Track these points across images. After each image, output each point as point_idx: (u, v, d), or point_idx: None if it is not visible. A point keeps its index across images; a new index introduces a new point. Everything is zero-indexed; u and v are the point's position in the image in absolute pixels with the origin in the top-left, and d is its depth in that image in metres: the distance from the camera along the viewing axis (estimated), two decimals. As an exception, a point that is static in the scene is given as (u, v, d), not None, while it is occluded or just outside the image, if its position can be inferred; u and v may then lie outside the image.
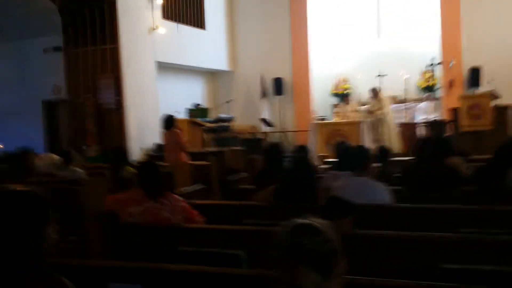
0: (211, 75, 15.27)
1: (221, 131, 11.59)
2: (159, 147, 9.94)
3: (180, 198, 3.72)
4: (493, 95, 8.28)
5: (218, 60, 14.60)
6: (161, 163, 6.96)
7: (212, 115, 12.81)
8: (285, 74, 14.43)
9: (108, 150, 7.84)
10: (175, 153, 7.71)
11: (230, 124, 12.25)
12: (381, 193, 3.79)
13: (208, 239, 3.44)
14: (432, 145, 4.31)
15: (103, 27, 9.95)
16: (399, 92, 13.40)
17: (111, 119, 10.16)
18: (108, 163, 5.69)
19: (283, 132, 14.09)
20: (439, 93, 13.14)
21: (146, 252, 3.34)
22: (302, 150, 5.86)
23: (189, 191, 5.55)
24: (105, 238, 3.52)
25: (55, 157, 6.11)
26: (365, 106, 11.66)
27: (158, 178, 3.67)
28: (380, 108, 10.18)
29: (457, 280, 2.46)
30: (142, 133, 10.50)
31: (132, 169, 4.86)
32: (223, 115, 12.32)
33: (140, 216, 3.55)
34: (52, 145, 11.04)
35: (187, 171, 7.39)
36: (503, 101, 8.60)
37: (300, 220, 1.64)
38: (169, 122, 8.04)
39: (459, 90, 12.52)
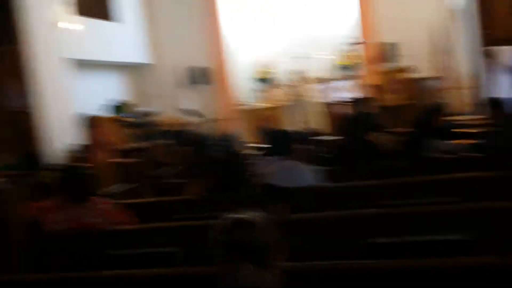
0: (132, 69, 14.80)
1: (146, 126, 11.28)
2: (80, 148, 9.49)
3: (106, 200, 3.53)
4: (410, 69, 8.60)
5: (137, 53, 14.17)
6: (83, 164, 6.68)
7: (136, 110, 12.44)
8: (207, 63, 14.27)
9: (22, 156, 7.38)
10: (98, 153, 7.40)
11: (155, 117, 11.95)
12: (309, 175, 3.80)
13: (140, 239, 3.30)
14: (354, 123, 4.38)
15: (3, 26, 9.27)
16: (322, 73, 13.67)
17: (22, 123, 9.53)
18: (21, 169, 5.35)
19: (211, 121, 13.96)
20: (360, 70, 13.52)
21: (75, 261, 3.16)
22: (231, 139, 5.80)
23: (115, 191, 5.33)
24: (31, 249, 3.29)
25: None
26: (290, 88, 11.77)
27: (80, 182, 3.47)
28: (305, 89, 10.30)
29: (386, 253, 2.50)
30: (60, 134, 9.97)
31: (49, 174, 4.58)
32: (147, 109, 11.99)
33: (64, 223, 3.34)
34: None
35: (113, 170, 7.12)
36: (418, 74, 8.97)
37: (235, 215, 1.62)
38: (90, 120, 7.69)
39: (379, 66, 12.95)
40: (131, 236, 3.33)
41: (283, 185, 3.28)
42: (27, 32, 9.56)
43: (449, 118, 5.95)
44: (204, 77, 14.17)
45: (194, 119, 13.74)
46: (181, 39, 14.42)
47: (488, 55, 8.01)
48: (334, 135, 7.68)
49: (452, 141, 4.55)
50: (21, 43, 9.36)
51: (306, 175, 3.84)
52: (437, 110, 5.42)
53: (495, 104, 4.45)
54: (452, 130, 5.79)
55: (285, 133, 4.22)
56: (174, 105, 14.24)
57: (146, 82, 14.71)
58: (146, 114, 11.18)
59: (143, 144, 9.66)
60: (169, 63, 14.51)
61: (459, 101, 12.34)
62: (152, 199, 4.77)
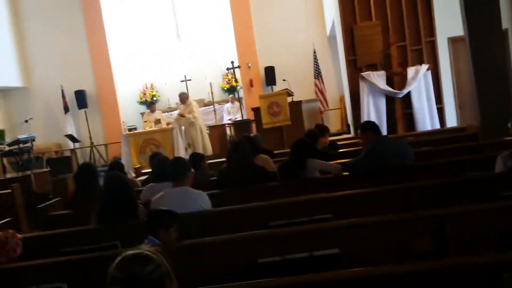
0: (2, 94, 13.83)
1: (22, 154, 10.59)
2: None
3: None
4: (288, 93, 9.15)
5: (7, 76, 13.24)
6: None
7: (10, 137, 11.63)
8: (88, 85, 13.82)
9: None
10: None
11: (32, 144, 11.26)
12: (202, 200, 3.92)
13: (24, 276, 3.17)
14: (239, 147, 4.60)
15: None
16: (205, 95, 13.94)
17: None
18: None
19: (93, 146, 13.51)
20: (241, 93, 14.02)
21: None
22: (115, 165, 5.73)
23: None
24: None
25: None
26: (175, 111, 11.81)
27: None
28: (190, 112, 10.40)
29: (275, 272, 2.71)
30: None
31: None
32: (22, 136, 11.26)
33: None
34: None
35: (-12, 203, 6.62)
36: (295, 97, 9.59)
37: (130, 251, 1.67)
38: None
39: (258, 89, 13.56)
40: (14, 273, 3.19)
41: (172, 210, 3.35)
42: None
43: (327, 138, 6.43)
44: (86, 100, 13.69)
45: (77, 144, 13.20)
46: (59, 61, 13.81)
47: (360, 79, 8.83)
48: (221, 157, 7.90)
49: (329, 162, 4.93)
50: None
51: (194, 199, 3.95)
52: (318, 131, 5.87)
53: (366, 125, 4.85)
54: (331, 150, 6.30)
55: (177, 160, 4.29)
56: (56, 131, 13.58)
57: (21, 107, 13.83)
58: (23, 141, 10.49)
59: (21, 173, 9.08)
60: (47, 86, 13.83)
61: (336, 121, 13.37)
62: (35, 233, 4.56)
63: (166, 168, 4.62)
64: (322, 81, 13.08)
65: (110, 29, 14.09)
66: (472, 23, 6.41)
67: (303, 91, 11.87)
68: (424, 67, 8.86)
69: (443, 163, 4.62)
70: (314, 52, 13.08)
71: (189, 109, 10.47)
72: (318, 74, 13.06)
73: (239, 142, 4.56)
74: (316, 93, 12.93)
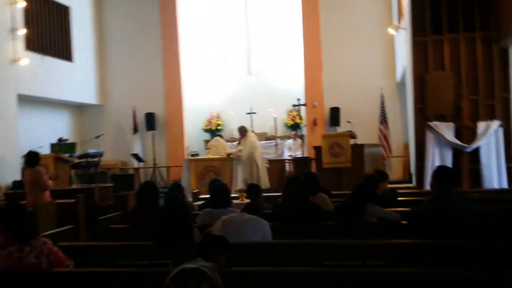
0: (79, 109, 14.67)
1: (90, 167, 11.11)
2: (19, 185, 9.21)
3: (47, 241, 3.52)
4: (351, 135, 9.11)
5: (86, 93, 14.10)
6: (21, 202, 6.51)
7: (80, 150, 12.26)
8: (158, 108, 14.41)
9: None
10: (37, 192, 7.21)
11: (99, 159, 11.80)
12: (266, 228, 3.96)
13: (81, 284, 3.30)
14: (298, 183, 4.62)
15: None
16: (268, 129, 14.12)
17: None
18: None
19: (156, 167, 13.94)
20: (304, 131, 14.07)
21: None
22: (175, 188, 5.88)
23: (54, 232, 5.24)
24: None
25: None
26: (235, 143, 12.00)
27: (22, 221, 3.46)
28: (248, 146, 10.51)
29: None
30: (2, 170, 9.68)
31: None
32: (91, 150, 11.84)
33: (4, 262, 3.30)
34: None
35: (52, 211, 6.97)
36: (358, 140, 9.51)
37: (187, 266, 1.72)
38: (32, 159, 7.51)
39: (322, 128, 13.56)
40: (72, 279, 3.33)
41: (227, 237, 3.40)
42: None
43: (388, 185, 6.32)
44: (155, 122, 14.25)
45: (141, 164, 13.68)
46: (134, 82, 14.54)
47: (427, 129, 8.65)
48: (277, 192, 7.92)
49: (388, 209, 4.82)
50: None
51: (259, 226, 3.99)
52: (377, 176, 5.79)
53: (436, 173, 4.64)
54: (390, 197, 6.17)
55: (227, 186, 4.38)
56: (124, 149, 14.17)
57: (94, 123, 14.58)
58: (91, 155, 11.03)
59: (86, 186, 9.50)
60: (120, 105, 14.53)
61: (397, 168, 13.06)
62: (91, 243, 4.74)
63: (223, 195, 4.72)
64: (387, 127, 12.89)
65: (185, 58, 14.70)
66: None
67: (366, 135, 11.74)
68: (496, 123, 8.56)
69: (508, 222, 4.41)
70: (382, 97, 12.96)
71: (248, 143, 10.53)
72: (384, 120, 12.90)
73: (297, 178, 4.58)
74: (380, 138, 12.75)
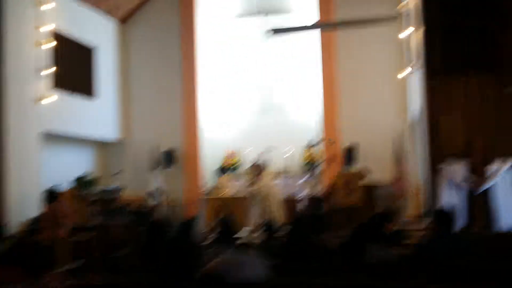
0: (101, 145, 15.03)
1: (108, 203, 11.35)
2: (37, 221, 9.46)
3: (61, 277, 3.68)
4: (362, 173, 9.17)
5: (109, 129, 14.47)
6: (39, 237, 6.73)
7: (100, 186, 12.53)
8: (176, 144, 14.66)
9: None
10: (54, 228, 7.44)
11: (118, 195, 12.04)
12: (256, 268, 4.06)
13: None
14: (303, 222, 4.74)
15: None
16: (284, 166, 14.23)
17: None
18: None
19: (171, 205, 14.07)
20: (320, 168, 14.13)
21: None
22: (186, 225, 6.02)
23: (69, 268, 5.41)
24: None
25: None
26: (253, 179, 12.13)
27: (38, 256, 3.62)
28: (262, 184, 10.63)
29: None
30: (24, 206, 9.98)
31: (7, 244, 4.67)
32: (110, 186, 12.12)
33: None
34: None
35: (68, 246, 7.17)
36: (371, 179, 9.52)
37: None
38: (50, 195, 7.79)
39: (338, 166, 13.60)
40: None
41: (230, 276, 3.52)
42: (11, 105, 9.90)
43: (397, 225, 6.36)
44: (173, 159, 14.48)
45: (157, 201, 13.84)
46: (155, 119, 14.90)
47: (439, 168, 8.69)
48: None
49: (393, 249, 4.86)
50: (3, 115, 9.64)
51: (253, 267, 4.08)
52: (386, 215, 5.85)
53: (439, 215, 4.69)
54: (398, 237, 6.20)
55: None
56: (142, 185, 14.38)
57: (116, 159, 14.90)
58: (110, 191, 11.29)
59: (104, 222, 9.71)
60: (141, 141, 14.84)
61: (409, 208, 12.97)
62: (106, 280, 4.88)
63: (229, 233, 4.86)
64: (404, 166, 12.86)
65: (202, 93, 15.03)
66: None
67: (381, 174, 11.76)
68: (509, 163, 8.56)
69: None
70: (397, 135, 12.98)
71: (262, 181, 10.63)
72: (398, 157, 12.88)
73: (301, 218, 4.70)
74: (393, 175, 12.71)
